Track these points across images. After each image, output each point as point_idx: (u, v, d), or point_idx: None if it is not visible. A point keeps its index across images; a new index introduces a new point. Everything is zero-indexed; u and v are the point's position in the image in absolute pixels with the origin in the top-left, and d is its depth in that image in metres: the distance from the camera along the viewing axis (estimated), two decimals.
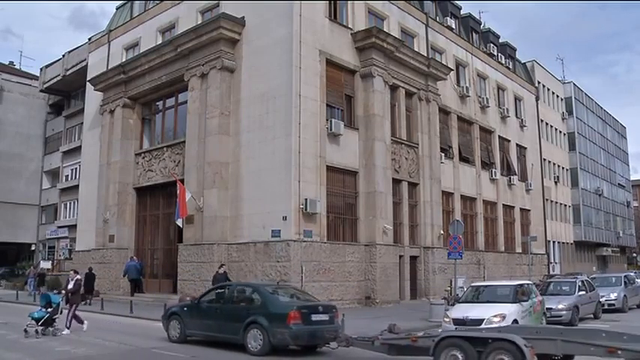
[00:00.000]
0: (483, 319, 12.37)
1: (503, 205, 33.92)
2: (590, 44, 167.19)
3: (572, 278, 20.76)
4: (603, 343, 8.44)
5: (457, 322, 12.60)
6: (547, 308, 15.67)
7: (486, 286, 15.24)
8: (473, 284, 16.26)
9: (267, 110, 20.93)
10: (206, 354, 11.80)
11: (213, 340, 12.46)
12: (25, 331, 13.53)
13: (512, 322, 12.54)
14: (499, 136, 34.56)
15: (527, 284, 15.18)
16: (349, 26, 23.36)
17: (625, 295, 20.95)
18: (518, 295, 13.60)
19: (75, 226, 32.80)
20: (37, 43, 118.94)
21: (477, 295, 14.42)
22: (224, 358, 11.51)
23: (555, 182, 45.94)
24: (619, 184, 62.86)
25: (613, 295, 20.62)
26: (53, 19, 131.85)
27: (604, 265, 55.69)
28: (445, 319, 13.09)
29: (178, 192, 22.02)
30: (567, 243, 47.65)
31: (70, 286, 14.58)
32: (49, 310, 13.85)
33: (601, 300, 19.43)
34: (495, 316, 12.45)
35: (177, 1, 26.36)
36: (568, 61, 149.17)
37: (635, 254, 70.37)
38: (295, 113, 20.15)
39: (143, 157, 26.76)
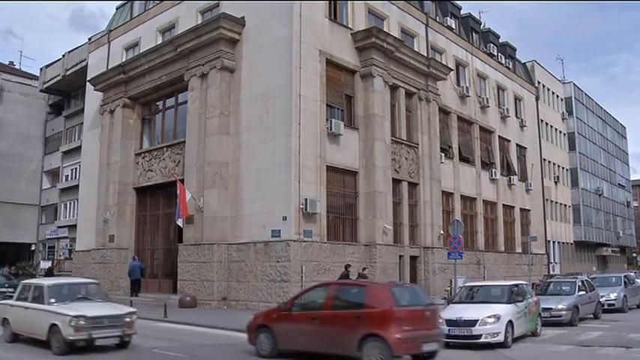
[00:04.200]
0: (477, 320, 12.21)
1: (503, 205, 33.89)
2: (590, 45, 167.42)
3: (572, 278, 20.72)
4: None
5: (450, 323, 12.38)
6: (547, 308, 15.63)
7: (480, 286, 15.12)
8: (466, 284, 16.17)
9: (267, 110, 20.93)
10: (206, 354, 11.79)
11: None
12: None
13: (507, 323, 12.38)
14: (499, 136, 34.54)
15: (522, 284, 15.05)
16: (349, 26, 23.35)
17: (625, 295, 20.94)
18: (512, 295, 13.43)
19: (75, 226, 32.80)
20: (37, 43, 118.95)
21: (472, 296, 14.29)
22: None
23: (555, 182, 45.91)
24: (619, 184, 62.83)
25: (613, 295, 20.60)
26: (53, 21, 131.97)
27: (604, 265, 55.65)
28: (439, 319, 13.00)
29: (178, 192, 22.04)
30: (567, 243, 47.62)
31: None
32: None
33: (601, 300, 19.39)
34: (490, 316, 12.28)
35: (177, 1, 26.35)
36: (568, 61, 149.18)
37: (635, 254, 70.35)
38: (295, 113, 20.15)
39: (143, 157, 26.75)
